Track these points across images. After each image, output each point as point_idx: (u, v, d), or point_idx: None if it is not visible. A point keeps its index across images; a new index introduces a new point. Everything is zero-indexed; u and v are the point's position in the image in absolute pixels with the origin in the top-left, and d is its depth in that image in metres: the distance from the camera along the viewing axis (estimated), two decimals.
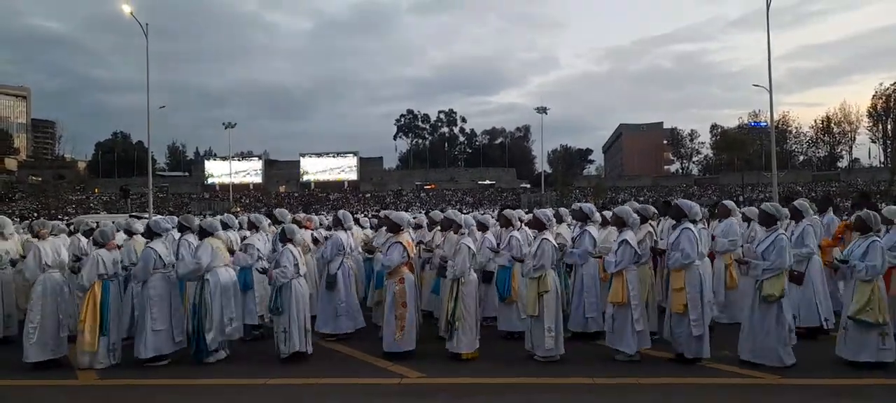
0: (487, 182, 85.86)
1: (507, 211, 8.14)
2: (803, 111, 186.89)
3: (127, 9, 34.36)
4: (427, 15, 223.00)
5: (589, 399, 5.97)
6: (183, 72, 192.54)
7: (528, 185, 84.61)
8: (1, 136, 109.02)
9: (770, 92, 37.96)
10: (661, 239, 8.39)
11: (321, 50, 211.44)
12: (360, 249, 10.00)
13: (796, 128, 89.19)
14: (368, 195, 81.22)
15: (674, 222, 7.17)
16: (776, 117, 45.10)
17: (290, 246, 7.38)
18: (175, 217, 10.11)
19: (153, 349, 7.21)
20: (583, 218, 8.15)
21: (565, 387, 6.24)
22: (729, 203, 8.95)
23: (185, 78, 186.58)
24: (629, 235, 7.00)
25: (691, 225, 6.84)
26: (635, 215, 7.36)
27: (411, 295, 7.34)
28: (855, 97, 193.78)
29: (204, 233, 7.55)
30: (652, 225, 7.99)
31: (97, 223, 10.73)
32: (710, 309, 6.96)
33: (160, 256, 7.41)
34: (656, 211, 8.03)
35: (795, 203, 8.15)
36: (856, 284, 6.47)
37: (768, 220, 6.83)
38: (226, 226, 9.05)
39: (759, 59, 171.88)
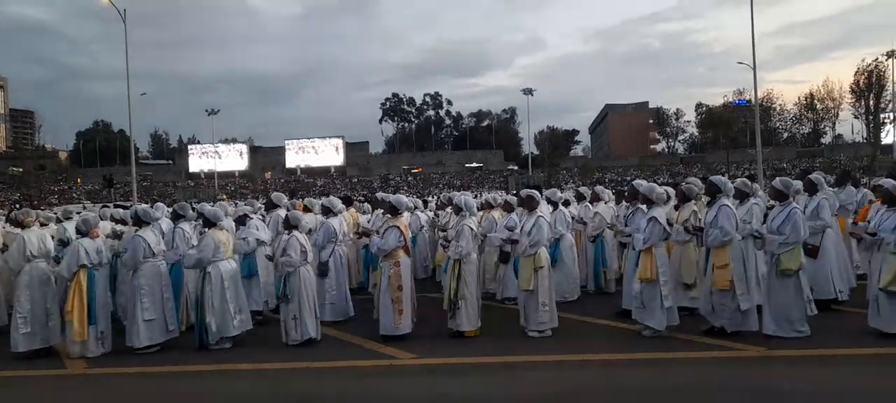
0: (475, 164, 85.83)
1: (524, 191, 8.04)
2: (788, 88, 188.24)
3: None
4: None
5: (579, 375, 5.99)
6: (165, 59, 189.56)
7: (516, 167, 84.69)
8: None
9: (754, 69, 38.25)
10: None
11: (306, 35, 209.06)
12: (352, 235, 9.92)
13: (780, 105, 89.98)
14: (355, 180, 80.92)
15: (708, 199, 7.14)
16: (760, 95, 45.50)
17: (296, 232, 7.28)
18: (162, 205, 9.97)
19: (147, 338, 7.11)
20: (636, 196, 8.01)
21: (559, 364, 6.26)
22: (742, 181, 8.86)
23: (167, 65, 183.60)
24: (658, 212, 7.01)
25: (727, 201, 6.82)
26: (662, 191, 7.36)
27: (407, 278, 7.31)
28: (839, 73, 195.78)
29: (208, 224, 7.39)
30: (696, 205, 7.89)
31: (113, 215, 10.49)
32: (758, 286, 6.96)
33: (149, 245, 7.27)
34: (698, 190, 7.93)
35: (811, 176, 8.30)
36: (884, 256, 6.50)
37: (780, 195, 6.85)
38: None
39: (745, 38, 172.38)
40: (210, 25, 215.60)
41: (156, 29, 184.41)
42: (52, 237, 8.60)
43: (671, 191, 8.47)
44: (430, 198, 22.30)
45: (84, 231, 7.32)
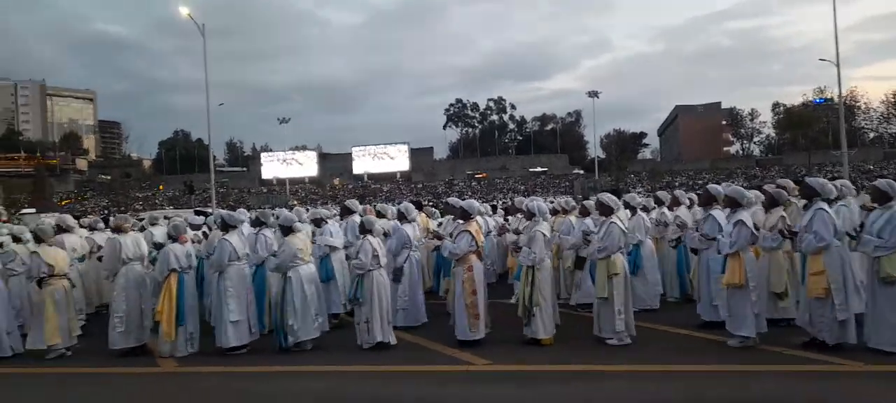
0: (539, 169, 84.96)
1: (604, 196, 7.87)
2: (873, 85, 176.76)
3: (184, 11, 35.45)
4: (476, 3, 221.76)
5: (659, 386, 5.81)
6: (239, 70, 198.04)
7: (581, 171, 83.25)
8: (72, 138, 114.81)
9: (838, 65, 36.12)
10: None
11: (371, 43, 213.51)
12: (424, 240, 10.02)
13: (865, 103, 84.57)
14: (420, 185, 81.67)
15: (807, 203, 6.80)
16: (844, 92, 42.90)
17: (369, 236, 7.43)
18: (243, 210, 10.40)
19: (234, 339, 7.40)
20: (710, 201, 7.79)
21: (639, 375, 6.11)
22: (843, 181, 8.39)
23: (241, 76, 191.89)
24: (744, 215, 6.76)
25: (825, 205, 6.48)
26: (749, 194, 7.07)
27: (480, 283, 7.32)
28: None
29: (285, 231, 7.64)
30: (786, 209, 7.57)
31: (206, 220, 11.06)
32: (857, 294, 6.56)
33: (235, 248, 7.59)
34: (788, 193, 7.59)
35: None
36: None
37: (882, 197, 6.42)
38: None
39: (823, 33, 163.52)
40: (282, 37, 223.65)
41: (231, 41, 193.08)
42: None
43: (759, 194, 8.10)
44: (496, 204, 22.38)
45: (174, 236, 7.71)
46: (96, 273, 10.38)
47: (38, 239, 8.08)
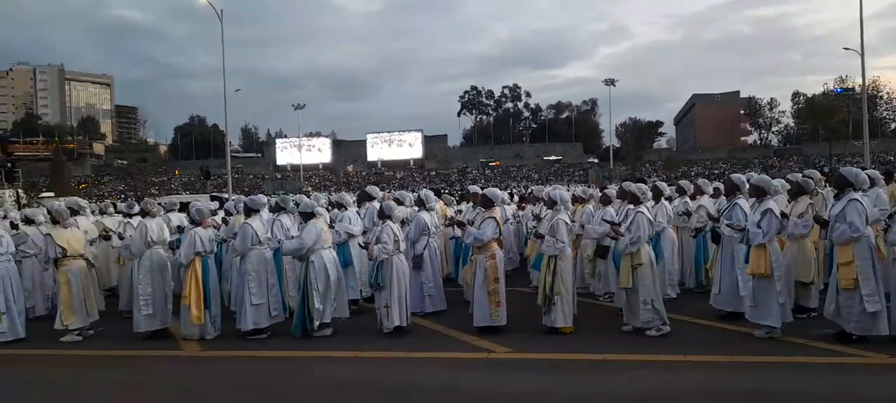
0: (553, 157, 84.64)
1: (626, 184, 7.84)
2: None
3: None
4: None
5: (680, 376, 5.77)
6: (255, 56, 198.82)
7: (596, 160, 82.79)
8: (89, 123, 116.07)
9: (862, 54, 35.42)
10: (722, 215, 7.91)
11: (386, 30, 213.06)
12: (443, 227, 10.02)
13: (888, 93, 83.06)
14: (433, 173, 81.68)
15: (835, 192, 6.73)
16: (866, 82, 42.06)
17: (389, 222, 7.46)
18: (262, 195, 10.45)
19: (252, 322, 7.48)
20: (734, 190, 7.70)
21: (659, 364, 6.07)
22: (873, 172, 8.27)
23: (256, 62, 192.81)
24: (772, 204, 6.67)
25: (859, 196, 6.36)
26: (776, 183, 6.97)
27: (502, 270, 7.32)
28: None
29: (306, 217, 7.68)
30: (812, 199, 7.49)
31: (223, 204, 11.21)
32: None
33: (256, 233, 7.65)
34: (815, 183, 7.48)
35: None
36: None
37: None
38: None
39: (845, 22, 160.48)
40: (297, 23, 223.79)
41: (247, 28, 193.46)
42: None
43: (784, 183, 8.00)
44: (512, 192, 22.48)
45: (198, 220, 7.79)
46: (104, 256, 10.61)
47: (54, 221, 8.23)
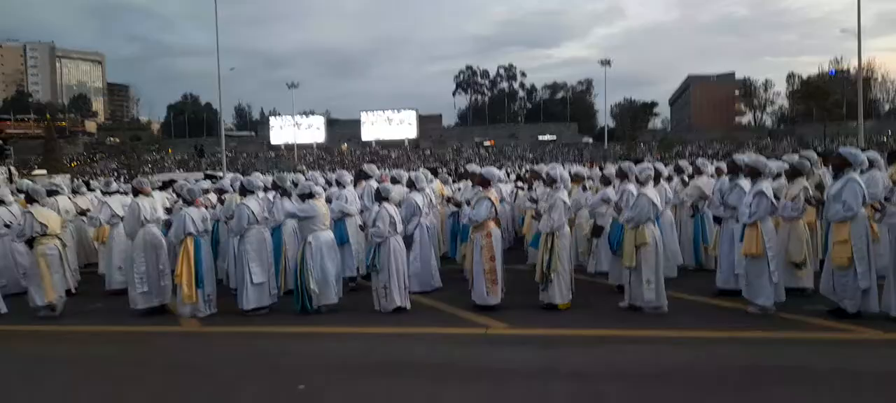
0: (548, 137, 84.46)
1: (625, 164, 7.90)
2: (891, 56, 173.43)
3: None
4: None
5: (678, 352, 5.86)
6: (248, 34, 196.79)
7: (591, 140, 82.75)
8: (81, 100, 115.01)
9: (859, 35, 35.44)
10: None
11: (381, 8, 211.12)
12: (439, 206, 10.03)
13: (883, 74, 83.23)
14: (428, 152, 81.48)
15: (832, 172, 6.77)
16: (862, 63, 42.11)
17: (386, 204, 7.46)
18: (258, 174, 10.43)
19: (255, 301, 7.51)
20: (736, 170, 7.73)
21: (657, 340, 6.15)
22: (871, 154, 8.30)
23: (249, 40, 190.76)
24: (765, 185, 6.72)
25: (856, 176, 6.45)
26: (771, 165, 7.02)
27: (498, 249, 7.35)
28: None
29: (304, 197, 7.65)
30: (808, 180, 7.54)
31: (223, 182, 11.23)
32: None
33: (253, 212, 7.64)
34: (811, 165, 7.53)
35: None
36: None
37: None
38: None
39: (840, 3, 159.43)
40: (291, 1, 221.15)
41: (240, 5, 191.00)
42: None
43: (781, 165, 8.04)
44: (508, 171, 22.57)
45: (189, 200, 7.76)
46: (82, 234, 10.76)
47: (31, 200, 8.29)
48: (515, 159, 70.84)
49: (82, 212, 10.78)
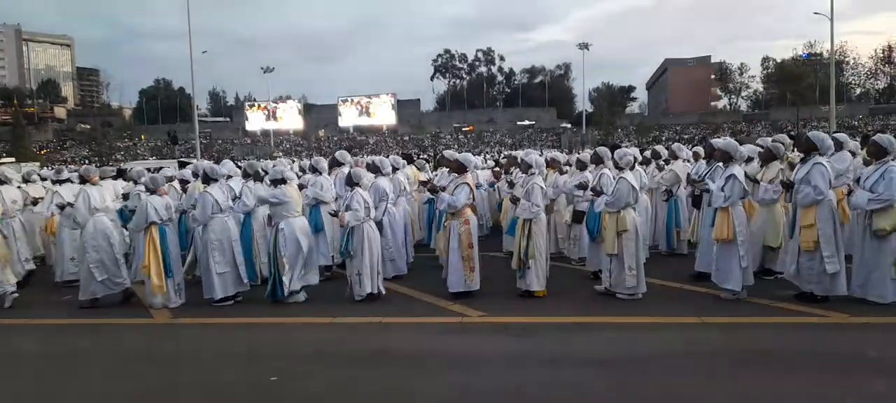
0: (527, 122, 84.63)
1: (600, 149, 7.92)
2: (864, 40, 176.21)
3: None
4: None
5: (652, 337, 5.90)
6: (221, 17, 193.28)
7: (569, 125, 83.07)
8: (50, 85, 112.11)
9: (831, 19, 35.95)
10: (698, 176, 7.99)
11: None
12: (414, 192, 9.92)
13: (854, 58, 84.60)
14: (407, 138, 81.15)
15: (802, 156, 6.81)
16: (834, 47, 42.73)
17: (358, 189, 7.35)
18: (228, 162, 10.19)
19: (221, 291, 7.38)
20: (714, 154, 7.64)
21: (631, 326, 6.17)
22: (841, 136, 8.40)
23: (223, 23, 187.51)
24: (737, 169, 6.74)
25: (823, 160, 6.48)
26: (742, 149, 7.05)
27: (476, 236, 7.31)
28: None
29: (276, 183, 7.51)
30: (782, 163, 7.59)
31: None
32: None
33: (217, 201, 7.48)
34: (784, 148, 7.57)
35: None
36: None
37: (880, 153, 6.43)
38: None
39: None
40: None
41: None
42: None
43: (753, 148, 8.10)
44: (487, 157, 22.54)
45: (152, 189, 7.57)
46: (30, 225, 10.32)
47: None
48: (494, 145, 70.87)
49: (34, 202, 10.39)
